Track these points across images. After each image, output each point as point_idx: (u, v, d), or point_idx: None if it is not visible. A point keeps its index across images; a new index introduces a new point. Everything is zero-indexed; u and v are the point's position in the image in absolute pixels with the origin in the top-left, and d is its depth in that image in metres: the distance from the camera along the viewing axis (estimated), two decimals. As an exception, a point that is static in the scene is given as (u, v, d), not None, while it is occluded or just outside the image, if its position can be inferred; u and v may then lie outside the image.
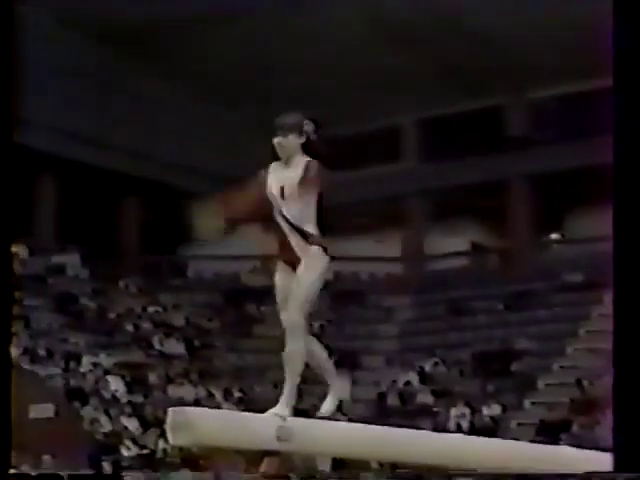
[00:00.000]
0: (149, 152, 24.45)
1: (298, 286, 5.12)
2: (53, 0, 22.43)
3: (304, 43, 22.78)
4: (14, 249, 21.45)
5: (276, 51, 23.12)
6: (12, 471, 13.60)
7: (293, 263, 5.18)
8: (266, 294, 21.38)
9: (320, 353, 5.37)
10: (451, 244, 25.84)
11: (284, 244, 5.21)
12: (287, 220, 5.18)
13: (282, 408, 4.98)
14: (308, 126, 5.27)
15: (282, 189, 5.17)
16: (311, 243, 5.16)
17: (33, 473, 15.13)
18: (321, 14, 22.45)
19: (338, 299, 24.70)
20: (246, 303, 24.77)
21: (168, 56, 24.34)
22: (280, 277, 5.25)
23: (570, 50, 21.38)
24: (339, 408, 5.32)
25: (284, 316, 5.16)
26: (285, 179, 5.18)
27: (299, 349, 5.11)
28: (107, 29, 23.33)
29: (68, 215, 23.63)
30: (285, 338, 5.14)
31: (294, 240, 5.17)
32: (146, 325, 22.77)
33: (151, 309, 23.55)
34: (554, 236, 26.66)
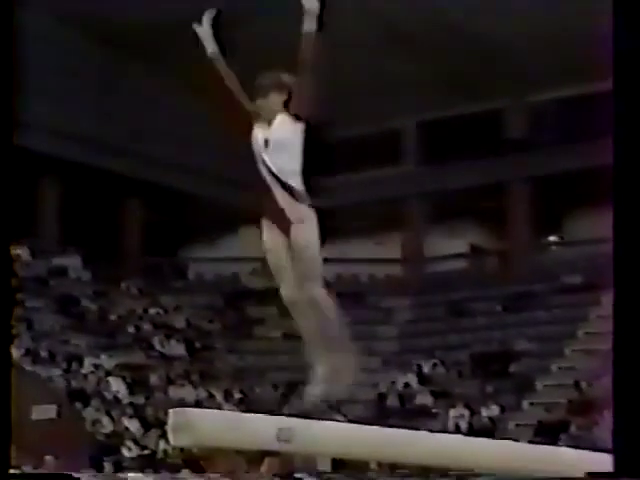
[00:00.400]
0: (150, 154, 24.42)
1: (302, 260, 4.89)
2: (53, 1, 22.49)
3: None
4: (16, 251, 21.60)
5: (277, 53, 23.14)
6: (14, 471, 13.74)
7: (280, 222, 4.92)
8: (266, 296, 21.48)
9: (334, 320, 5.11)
10: (450, 246, 25.88)
11: (269, 201, 4.94)
12: (271, 172, 4.92)
13: (314, 387, 4.95)
14: (289, 79, 5.05)
15: (266, 140, 4.93)
16: (298, 200, 4.90)
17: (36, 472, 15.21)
18: (327, 18, 22.46)
19: (338, 300, 24.78)
20: (246, 305, 24.85)
21: (168, 56, 24.36)
22: (269, 240, 4.97)
23: (568, 53, 21.48)
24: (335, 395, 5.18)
25: (284, 284, 4.95)
26: (270, 131, 4.94)
27: (334, 318, 4.98)
28: (107, 30, 23.33)
29: (70, 217, 23.66)
30: (312, 297, 4.93)
31: (280, 196, 4.90)
32: (147, 327, 22.77)
33: (152, 311, 23.55)
34: (552, 238, 26.69)
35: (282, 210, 4.91)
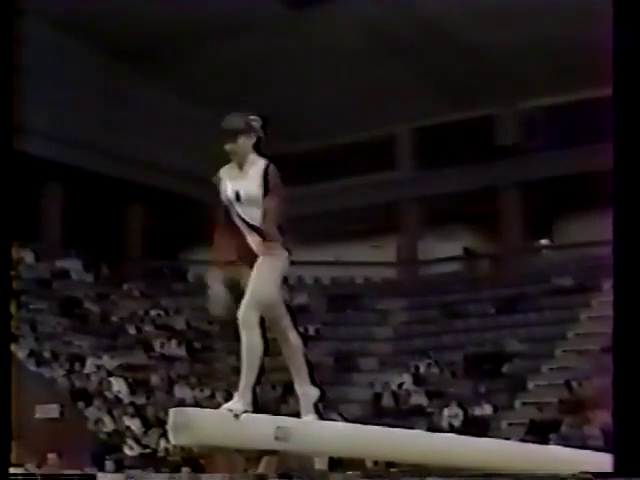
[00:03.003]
0: (152, 160, 24.60)
1: (255, 283, 4.91)
2: (54, 11, 22.69)
3: (304, 55, 23.01)
4: (20, 254, 21.89)
5: (276, 63, 23.37)
6: (18, 469, 13.99)
7: (249, 262, 4.96)
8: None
9: (295, 346, 5.12)
10: (444, 249, 26.02)
11: (244, 248, 4.96)
12: (244, 221, 4.95)
13: (236, 403, 4.72)
14: (256, 123, 4.97)
15: (237, 193, 4.93)
16: (270, 241, 4.89)
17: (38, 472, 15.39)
18: (320, 27, 22.64)
19: (335, 302, 25.07)
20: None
21: (170, 66, 24.56)
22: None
23: (558, 61, 21.62)
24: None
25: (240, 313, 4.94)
26: (240, 183, 4.93)
27: (257, 345, 4.86)
28: (108, 38, 23.47)
29: (73, 221, 23.79)
30: (244, 333, 4.89)
31: (253, 241, 4.94)
32: (148, 328, 22.89)
33: (153, 312, 23.69)
34: (543, 242, 26.76)
35: (252, 251, 4.96)
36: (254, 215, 4.94)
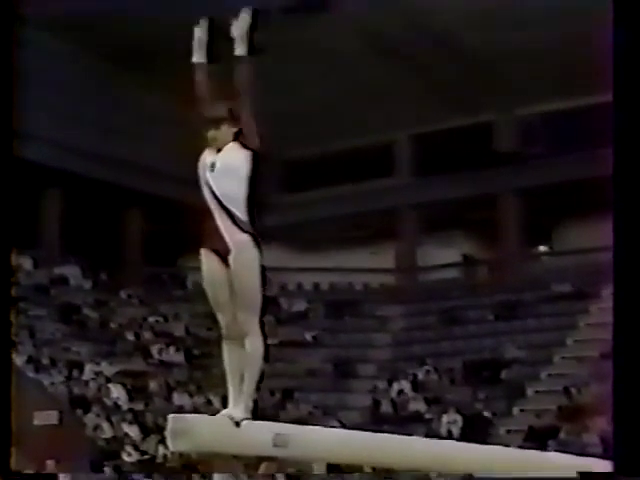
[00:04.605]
0: (150, 165, 24.66)
1: (241, 289, 4.74)
2: (54, 17, 22.69)
3: (302, 59, 23.06)
4: (19, 261, 21.89)
5: (274, 67, 23.42)
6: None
7: (220, 251, 4.76)
8: (263, 304, 21.67)
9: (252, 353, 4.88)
10: (443, 256, 26.04)
11: (211, 228, 4.76)
12: (215, 197, 4.77)
13: (236, 410, 4.66)
14: (240, 111, 4.89)
15: (212, 164, 4.81)
16: (242, 229, 4.74)
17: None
18: (319, 32, 22.70)
19: (333, 308, 25.09)
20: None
21: (168, 70, 24.57)
22: (208, 269, 4.81)
23: (556, 68, 21.68)
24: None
25: (223, 317, 4.85)
26: (217, 156, 4.82)
27: (260, 349, 4.76)
28: (107, 44, 23.52)
29: (71, 227, 23.76)
30: (246, 340, 4.77)
31: (223, 223, 4.75)
32: (147, 334, 22.87)
33: (152, 319, 23.64)
34: (542, 248, 26.81)
35: (222, 237, 4.75)
36: (228, 189, 4.74)
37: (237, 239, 4.71)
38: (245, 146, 4.83)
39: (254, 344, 4.75)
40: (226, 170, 4.76)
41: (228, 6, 5.20)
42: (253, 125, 4.86)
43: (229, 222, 4.72)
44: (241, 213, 4.74)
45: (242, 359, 4.77)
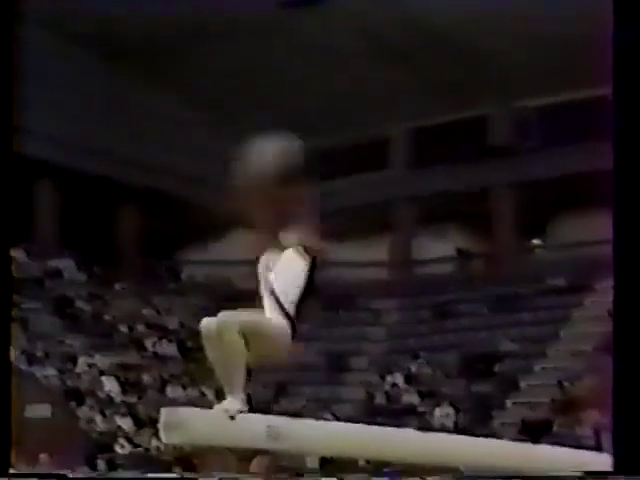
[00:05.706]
0: (145, 160, 24.59)
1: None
2: (54, 16, 22.71)
3: (301, 56, 23.08)
4: (13, 253, 21.84)
5: (274, 64, 23.43)
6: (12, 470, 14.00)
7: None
8: (257, 298, 21.67)
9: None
10: (437, 249, 26.02)
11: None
12: (272, 292, 4.91)
13: (231, 403, 4.64)
14: (313, 239, 4.98)
15: (272, 266, 4.93)
16: (286, 315, 4.87)
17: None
18: (316, 27, 22.68)
19: (327, 302, 25.07)
20: (238, 306, 24.92)
21: (167, 68, 24.60)
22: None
23: (552, 60, 21.71)
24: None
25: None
26: (278, 259, 4.93)
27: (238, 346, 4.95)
28: (107, 42, 23.61)
29: (66, 221, 23.82)
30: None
31: (269, 304, 4.93)
32: (141, 327, 22.93)
33: (146, 312, 23.72)
34: (536, 241, 26.81)
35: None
36: (285, 287, 4.89)
37: (278, 322, 4.86)
38: (307, 250, 4.94)
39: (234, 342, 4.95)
40: (287, 272, 4.89)
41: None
42: (317, 233, 5.01)
43: (275, 305, 4.89)
44: (291, 311, 4.88)
45: (224, 353, 4.93)
